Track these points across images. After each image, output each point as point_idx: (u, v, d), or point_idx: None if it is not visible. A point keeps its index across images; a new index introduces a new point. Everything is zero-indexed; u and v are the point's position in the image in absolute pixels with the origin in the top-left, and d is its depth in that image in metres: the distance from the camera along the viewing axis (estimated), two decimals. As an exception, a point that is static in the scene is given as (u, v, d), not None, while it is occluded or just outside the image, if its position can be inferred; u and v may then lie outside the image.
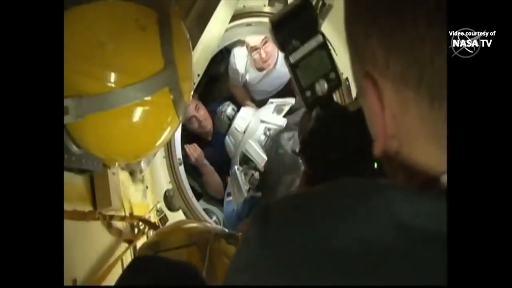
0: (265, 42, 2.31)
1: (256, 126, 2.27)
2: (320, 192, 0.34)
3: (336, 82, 0.56)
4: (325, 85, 0.55)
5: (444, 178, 0.31)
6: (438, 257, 0.27)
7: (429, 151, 0.32)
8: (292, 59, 0.54)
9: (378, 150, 0.35)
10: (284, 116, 2.25)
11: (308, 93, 0.56)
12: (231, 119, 2.44)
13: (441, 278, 0.27)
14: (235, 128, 2.36)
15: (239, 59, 2.48)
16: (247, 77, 2.54)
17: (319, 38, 0.54)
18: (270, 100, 2.43)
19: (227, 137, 2.43)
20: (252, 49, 2.36)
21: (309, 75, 0.55)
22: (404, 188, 0.32)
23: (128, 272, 0.87)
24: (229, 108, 2.50)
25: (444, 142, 0.31)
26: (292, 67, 0.55)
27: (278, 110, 2.30)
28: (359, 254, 0.28)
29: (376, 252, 0.28)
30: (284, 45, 0.54)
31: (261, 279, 0.30)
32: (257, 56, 2.37)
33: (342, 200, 0.31)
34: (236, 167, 2.22)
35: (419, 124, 0.32)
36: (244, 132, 2.30)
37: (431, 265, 0.27)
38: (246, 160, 2.25)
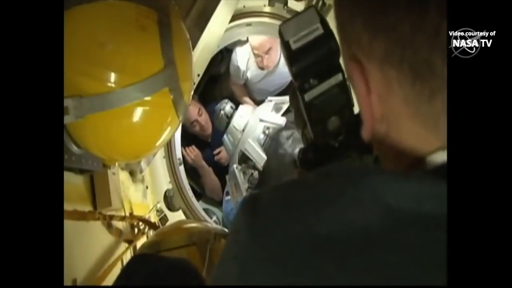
0: (268, 51, 2.32)
1: (255, 124, 2.25)
2: (306, 180, 0.34)
3: (349, 119, 0.53)
4: (338, 120, 0.53)
5: (430, 158, 0.32)
6: (425, 238, 0.28)
7: (414, 132, 0.33)
8: (307, 97, 0.50)
9: (366, 134, 0.36)
10: (283, 114, 2.24)
11: (318, 128, 0.53)
12: (229, 117, 2.41)
13: (428, 259, 0.27)
14: (234, 127, 2.33)
15: (241, 56, 2.47)
16: (248, 74, 2.53)
17: (338, 77, 0.50)
18: (269, 98, 2.40)
19: (225, 136, 2.40)
20: (255, 55, 2.37)
21: (323, 112, 0.52)
22: (389, 172, 0.33)
23: (126, 270, 0.87)
24: (227, 106, 2.47)
25: (428, 122, 0.32)
26: (306, 104, 0.51)
27: (277, 108, 2.28)
28: (347, 239, 0.28)
29: (363, 236, 0.28)
30: (301, 82, 0.50)
31: (249, 269, 0.30)
32: (259, 59, 2.38)
33: (328, 186, 0.31)
34: (235, 166, 2.20)
35: (403, 105, 0.33)
36: (243, 130, 2.28)
37: (418, 247, 0.27)
38: (245, 159, 2.23)
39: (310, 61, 0.48)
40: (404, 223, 0.28)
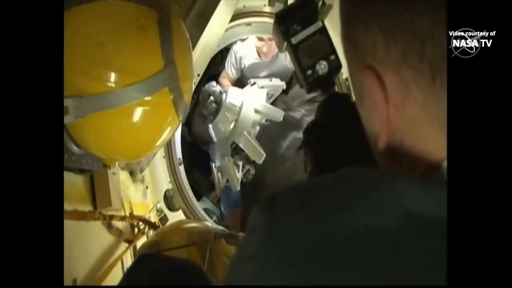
0: (270, 40, 2.29)
1: (250, 115, 2.03)
2: (326, 183, 0.34)
3: (336, 64, 0.61)
4: (326, 66, 0.60)
5: (445, 164, 0.31)
6: (445, 243, 0.27)
7: (430, 136, 0.33)
8: (294, 40, 0.60)
9: (382, 145, 0.35)
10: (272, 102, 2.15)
11: (309, 72, 0.60)
12: (219, 103, 2.08)
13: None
14: (225, 115, 2.07)
15: (240, 45, 2.40)
16: (246, 62, 2.45)
17: (318, 24, 0.60)
18: (261, 84, 2.18)
19: (211, 125, 2.14)
20: (258, 46, 2.34)
21: (310, 56, 0.60)
22: (410, 177, 0.32)
23: (131, 270, 0.87)
24: (216, 91, 2.10)
25: (445, 124, 0.31)
26: (294, 48, 0.60)
27: (269, 96, 2.17)
28: (368, 244, 0.28)
29: (384, 241, 0.28)
30: (286, 31, 0.60)
31: (267, 268, 0.30)
32: (260, 46, 2.32)
33: (349, 190, 0.31)
34: (227, 158, 2.06)
35: (420, 110, 0.32)
36: (236, 120, 2.04)
37: (439, 252, 0.27)
38: (235, 149, 2.08)
39: (294, 17, 0.60)
40: (425, 228, 0.28)
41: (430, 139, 0.33)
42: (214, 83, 2.18)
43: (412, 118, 0.33)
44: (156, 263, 0.87)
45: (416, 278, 0.27)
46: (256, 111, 2.04)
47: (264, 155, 1.98)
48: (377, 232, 0.28)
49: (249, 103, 2.08)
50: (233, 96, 2.09)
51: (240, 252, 0.34)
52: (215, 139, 2.14)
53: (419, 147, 0.33)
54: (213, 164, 2.16)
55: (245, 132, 1.99)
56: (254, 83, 2.18)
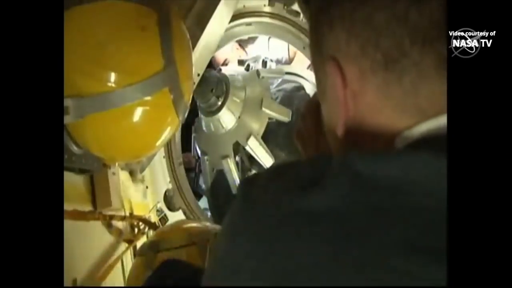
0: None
1: (255, 113, 1.86)
2: (299, 161, 0.38)
3: None
4: None
5: (397, 140, 0.34)
6: (407, 211, 0.29)
7: (383, 118, 0.35)
8: None
9: (341, 130, 0.38)
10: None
11: None
12: (220, 97, 1.80)
13: (415, 233, 0.28)
14: (228, 111, 1.84)
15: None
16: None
17: None
18: (262, 74, 1.95)
19: (205, 118, 1.89)
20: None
21: None
22: (366, 151, 0.35)
23: (155, 275, 0.88)
24: (219, 82, 1.80)
25: (397, 106, 0.34)
26: None
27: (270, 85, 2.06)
28: (325, 217, 0.30)
29: (343, 214, 0.29)
30: None
31: (239, 233, 0.33)
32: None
33: (313, 170, 0.34)
34: (228, 159, 1.92)
35: (374, 94, 0.35)
36: (239, 117, 1.84)
37: (400, 220, 0.29)
38: (237, 149, 1.95)
39: None
40: (370, 186, 0.30)
41: (384, 120, 0.35)
42: (214, 72, 1.89)
43: (368, 103, 0.36)
44: (179, 270, 0.87)
45: (357, 235, 0.28)
46: (263, 110, 1.87)
47: (273, 161, 1.87)
48: (336, 205, 0.30)
49: (254, 100, 1.88)
50: (237, 90, 1.87)
51: (224, 219, 0.37)
52: (207, 132, 1.95)
53: (375, 129, 0.36)
54: (204, 157, 2.04)
55: (252, 137, 1.84)
56: (250, 66, 2.07)
